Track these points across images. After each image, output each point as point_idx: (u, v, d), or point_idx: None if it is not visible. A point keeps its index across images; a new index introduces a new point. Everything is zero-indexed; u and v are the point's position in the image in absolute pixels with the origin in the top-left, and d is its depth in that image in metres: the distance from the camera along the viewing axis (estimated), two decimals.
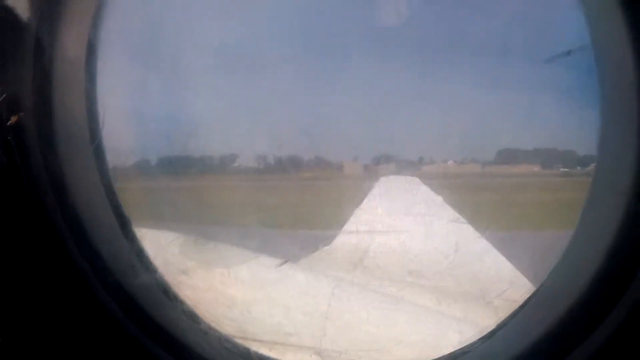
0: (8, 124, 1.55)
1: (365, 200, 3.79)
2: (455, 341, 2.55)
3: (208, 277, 2.88)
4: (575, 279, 1.47)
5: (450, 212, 3.62)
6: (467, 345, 1.82)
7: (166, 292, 1.94)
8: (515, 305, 1.75)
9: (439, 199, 3.63)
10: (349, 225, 3.69)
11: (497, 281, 2.95)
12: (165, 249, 2.91)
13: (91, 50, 1.74)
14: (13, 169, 1.55)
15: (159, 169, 3.92)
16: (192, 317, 1.96)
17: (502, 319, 1.81)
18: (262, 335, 2.56)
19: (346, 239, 3.56)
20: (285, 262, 2.98)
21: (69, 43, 1.65)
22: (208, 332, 1.95)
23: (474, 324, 2.62)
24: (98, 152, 1.83)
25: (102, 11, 1.72)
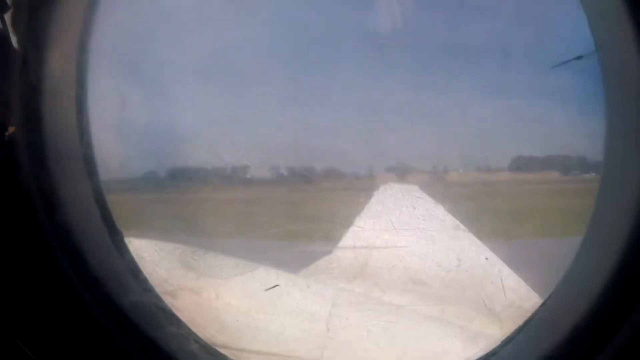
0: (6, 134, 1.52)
1: (363, 212, 3.71)
2: (459, 357, 2.48)
3: (203, 289, 2.81)
4: (585, 289, 1.42)
5: (451, 221, 3.55)
6: None
7: (158, 305, 1.88)
8: (523, 317, 1.69)
9: (439, 208, 3.55)
10: (346, 241, 3.61)
11: (502, 292, 2.89)
12: (162, 260, 2.85)
13: (81, 63, 1.72)
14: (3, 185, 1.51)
15: (167, 181, 3.85)
16: (185, 330, 1.90)
17: (508, 333, 1.75)
18: (259, 348, 2.49)
19: (344, 253, 3.49)
20: (277, 283, 2.90)
21: (58, 57, 1.63)
22: (201, 346, 1.89)
23: (478, 338, 2.55)
24: (89, 165, 1.80)
25: (90, 24, 1.71)
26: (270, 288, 2.82)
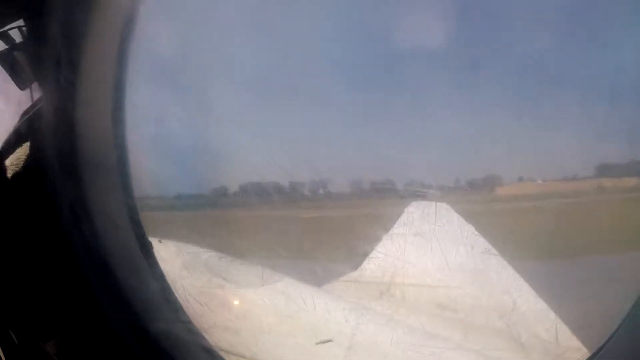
0: None
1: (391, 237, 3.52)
2: None
3: (227, 297, 2.78)
4: None
5: (482, 243, 3.39)
6: None
7: (183, 320, 1.85)
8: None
9: (469, 228, 3.39)
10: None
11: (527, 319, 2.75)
12: (189, 264, 2.84)
13: (120, 70, 1.66)
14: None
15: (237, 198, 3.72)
16: (206, 346, 1.87)
17: None
18: None
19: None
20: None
21: (95, 62, 1.58)
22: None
23: None
24: (123, 176, 1.77)
25: (132, 27, 1.65)
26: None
